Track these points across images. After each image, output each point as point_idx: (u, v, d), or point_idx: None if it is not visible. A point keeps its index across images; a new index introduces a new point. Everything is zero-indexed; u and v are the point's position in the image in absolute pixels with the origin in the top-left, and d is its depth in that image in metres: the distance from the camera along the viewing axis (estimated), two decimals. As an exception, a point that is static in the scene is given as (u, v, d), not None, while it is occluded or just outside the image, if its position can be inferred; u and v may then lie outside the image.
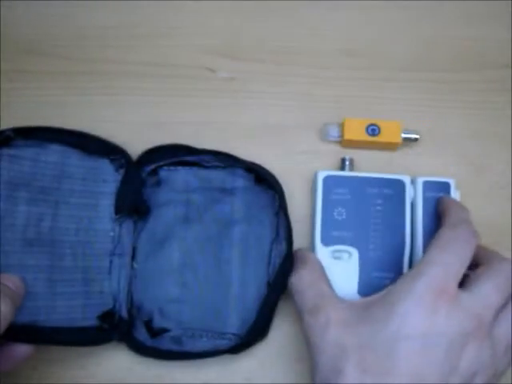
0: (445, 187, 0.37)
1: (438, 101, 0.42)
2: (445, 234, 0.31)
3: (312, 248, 0.37)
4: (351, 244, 0.36)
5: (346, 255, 0.36)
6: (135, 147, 0.41)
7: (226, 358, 0.37)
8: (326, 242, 0.36)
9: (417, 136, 0.40)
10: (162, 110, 0.42)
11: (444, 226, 0.32)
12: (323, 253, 0.36)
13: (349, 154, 0.40)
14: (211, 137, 0.41)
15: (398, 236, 0.36)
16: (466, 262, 0.30)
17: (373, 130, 0.40)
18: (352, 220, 0.37)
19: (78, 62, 0.43)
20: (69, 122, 0.42)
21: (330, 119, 0.41)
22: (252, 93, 0.43)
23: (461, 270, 0.30)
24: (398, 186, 0.37)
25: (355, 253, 0.36)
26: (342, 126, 0.40)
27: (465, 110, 0.42)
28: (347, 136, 0.40)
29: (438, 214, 0.36)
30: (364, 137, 0.40)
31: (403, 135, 0.40)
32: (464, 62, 0.43)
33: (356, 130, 0.40)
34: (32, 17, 0.44)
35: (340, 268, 0.36)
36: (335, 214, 0.37)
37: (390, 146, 0.40)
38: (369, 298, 0.31)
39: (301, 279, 0.33)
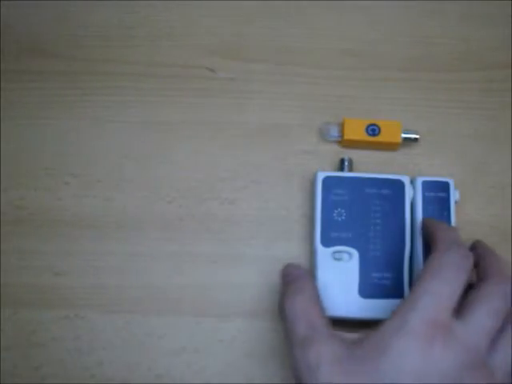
0: (444, 187, 0.37)
1: (438, 101, 0.42)
2: (435, 259, 0.30)
3: (312, 249, 0.37)
4: (351, 245, 0.36)
5: (346, 256, 0.36)
6: (135, 147, 0.41)
7: (227, 357, 0.37)
8: (326, 243, 0.36)
9: (417, 136, 0.40)
10: (162, 110, 0.42)
11: (434, 250, 0.31)
12: (323, 254, 0.36)
13: (349, 154, 0.40)
14: (211, 137, 0.41)
15: (397, 236, 0.36)
16: (460, 287, 0.29)
17: (373, 130, 0.40)
18: (352, 221, 0.37)
19: (79, 62, 0.43)
20: (69, 123, 0.42)
21: (329, 119, 0.41)
22: (252, 93, 0.43)
23: (454, 297, 0.28)
24: (398, 186, 0.37)
25: (355, 253, 0.36)
26: (341, 125, 0.40)
27: (465, 110, 0.42)
28: (347, 136, 0.40)
29: (425, 238, 0.35)
30: (364, 137, 0.40)
31: (403, 135, 0.40)
32: (464, 61, 0.43)
33: (356, 130, 0.40)
34: (32, 17, 0.44)
35: (340, 269, 0.36)
36: (335, 214, 0.37)
37: (389, 146, 0.40)
38: (362, 335, 0.29)
39: (294, 306, 0.30)
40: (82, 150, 0.41)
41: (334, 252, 0.36)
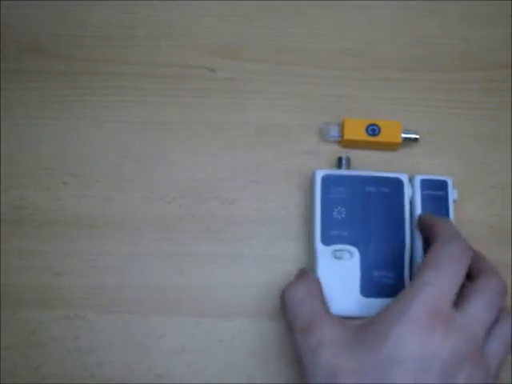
0: (443, 186, 0.37)
1: (438, 101, 0.42)
2: (437, 251, 0.30)
3: (312, 248, 0.37)
4: (352, 243, 0.36)
5: (346, 254, 0.36)
6: (135, 147, 0.41)
7: (227, 357, 0.37)
8: (327, 241, 0.36)
9: (417, 136, 0.40)
10: (162, 110, 0.42)
11: (435, 243, 0.31)
12: (324, 252, 0.36)
13: (349, 154, 0.40)
14: (211, 137, 0.41)
15: (397, 235, 0.36)
16: (460, 279, 0.29)
17: (373, 130, 0.40)
18: (352, 219, 0.36)
19: (79, 62, 0.43)
20: (68, 122, 0.42)
21: (329, 119, 0.41)
22: (252, 93, 0.43)
23: (455, 288, 0.29)
24: (396, 184, 0.37)
25: (356, 252, 0.36)
26: (341, 125, 0.40)
27: (465, 110, 0.42)
28: (347, 136, 0.40)
29: (423, 232, 0.36)
30: (364, 137, 0.40)
31: (403, 135, 0.40)
32: (464, 62, 0.43)
33: (356, 130, 0.40)
34: (32, 17, 0.44)
35: (341, 268, 0.36)
36: (335, 213, 0.36)
37: (390, 146, 0.40)
38: (363, 320, 0.30)
39: (294, 294, 0.32)
40: (81, 149, 0.41)
41: (335, 250, 0.36)
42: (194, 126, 0.42)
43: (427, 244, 0.34)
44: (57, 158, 0.41)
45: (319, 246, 0.36)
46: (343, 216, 0.36)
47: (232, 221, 0.40)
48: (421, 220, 0.36)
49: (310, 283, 0.33)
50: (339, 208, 0.37)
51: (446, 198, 0.37)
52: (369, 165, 0.40)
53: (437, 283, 0.29)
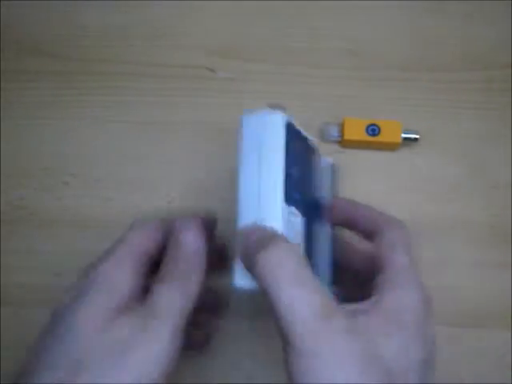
0: (335, 169, 0.36)
1: (438, 101, 0.42)
2: (400, 236, 0.30)
3: (259, 206, 0.29)
4: (299, 207, 0.30)
5: (296, 219, 0.30)
6: (135, 147, 0.41)
7: (227, 357, 0.37)
8: (289, 200, 0.29)
9: (417, 136, 0.40)
10: (162, 110, 0.42)
11: (387, 227, 0.30)
12: (286, 213, 0.28)
13: (349, 153, 0.40)
14: (211, 137, 0.41)
15: (317, 208, 0.33)
16: None
17: (373, 130, 0.40)
18: (301, 180, 0.30)
19: (78, 62, 0.43)
20: (68, 122, 0.42)
21: (329, 119, 0.41)
22: (252, 93, 0.43)
23: None
24: (323, 161, 0.35)
25: (301, 219, 0.30)
26: (341, 125, 0.40)
27: (465, 110, 0.42)
28: (347, 136, 0.40)
29: (343, 216, 0.33)
30: (364, 137, 0.40)
31: (403, 135, 0.40)
32: (464, 61, 0.43)
33: (356, 130, 0.40)
34: (32, 17, 0.44)
35: (294, 234, 0.29)
36: (292, 169, 0.29)
37: (390, 146, 0.40)
38: (360, 306, 0.28)
39: (282, 272, 0.25)
40: (81, 149, 0.41)
41: (291, 213, 0.29)
42: (193, 126, 0.42)
43: (358, 230, 0.32)
44: (57, 158, 0.41)
45: (282, 204, 0.28)
46: (297, 175, 0.30)
47: (232, 221, 0.40)
48: (349, 204, 0.33)
49: (289, 250, 0.26)
50: (295, 165, 0.30)
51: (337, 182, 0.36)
52: (369, 165, 0.40)
53: (416, 267, 0.29)
